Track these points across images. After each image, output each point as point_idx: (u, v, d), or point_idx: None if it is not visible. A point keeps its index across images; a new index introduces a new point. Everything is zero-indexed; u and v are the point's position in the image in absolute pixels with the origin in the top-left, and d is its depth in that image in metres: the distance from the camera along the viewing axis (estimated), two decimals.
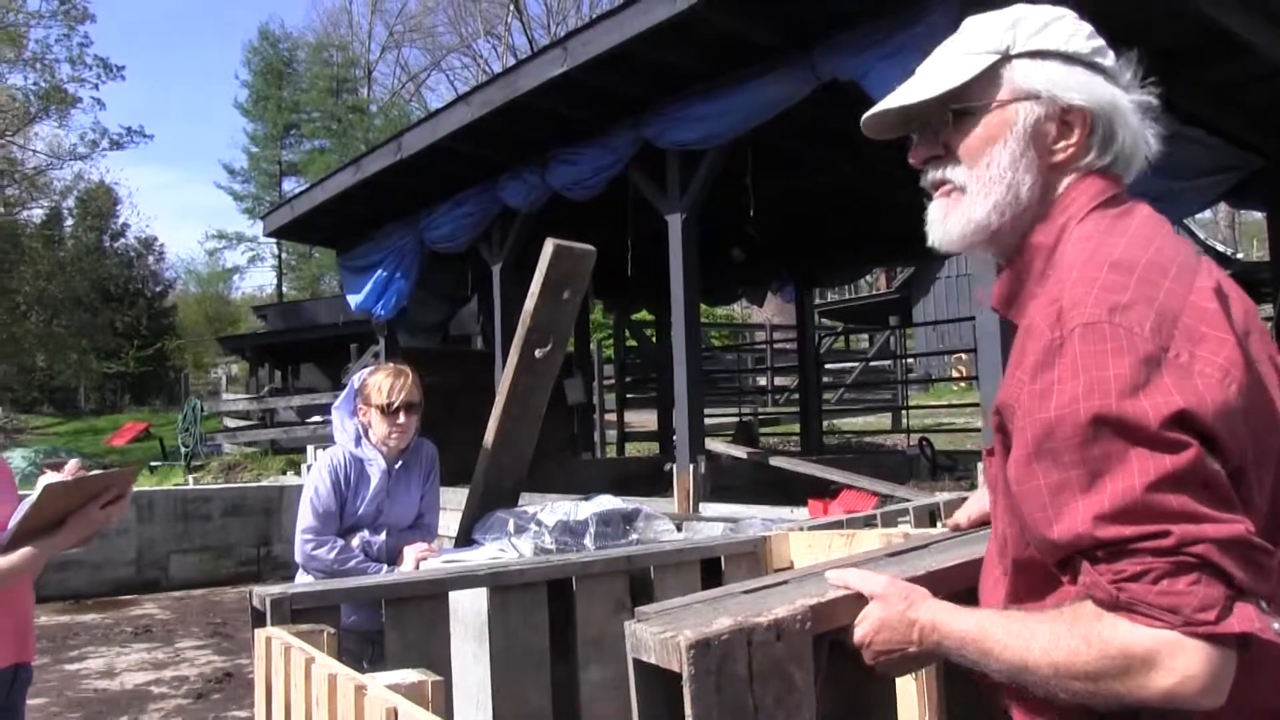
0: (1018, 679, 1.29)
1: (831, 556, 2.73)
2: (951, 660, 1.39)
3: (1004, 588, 1.41)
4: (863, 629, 1.44)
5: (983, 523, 1.97)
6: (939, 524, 3.49)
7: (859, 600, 1.46)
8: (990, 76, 1.42)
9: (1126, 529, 1.15)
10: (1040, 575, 1.32)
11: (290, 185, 44.52)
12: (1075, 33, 1.44)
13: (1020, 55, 1.42)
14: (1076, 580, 1.24)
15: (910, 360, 23.28)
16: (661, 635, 1.24)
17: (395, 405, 3.70)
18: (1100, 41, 1.45)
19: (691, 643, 1.20)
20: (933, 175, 1.49)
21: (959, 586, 1.64)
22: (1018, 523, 1.32)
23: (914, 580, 1.51)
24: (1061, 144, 1.41)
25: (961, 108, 1.43)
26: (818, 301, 20.70)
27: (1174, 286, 1.25)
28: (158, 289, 42.21)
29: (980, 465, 6.23)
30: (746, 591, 1.50)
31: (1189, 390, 1.15)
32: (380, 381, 3.74)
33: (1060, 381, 1.20)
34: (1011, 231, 1.43)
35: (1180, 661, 1.14)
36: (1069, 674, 1.21)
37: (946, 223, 1.47)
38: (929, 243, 1.53)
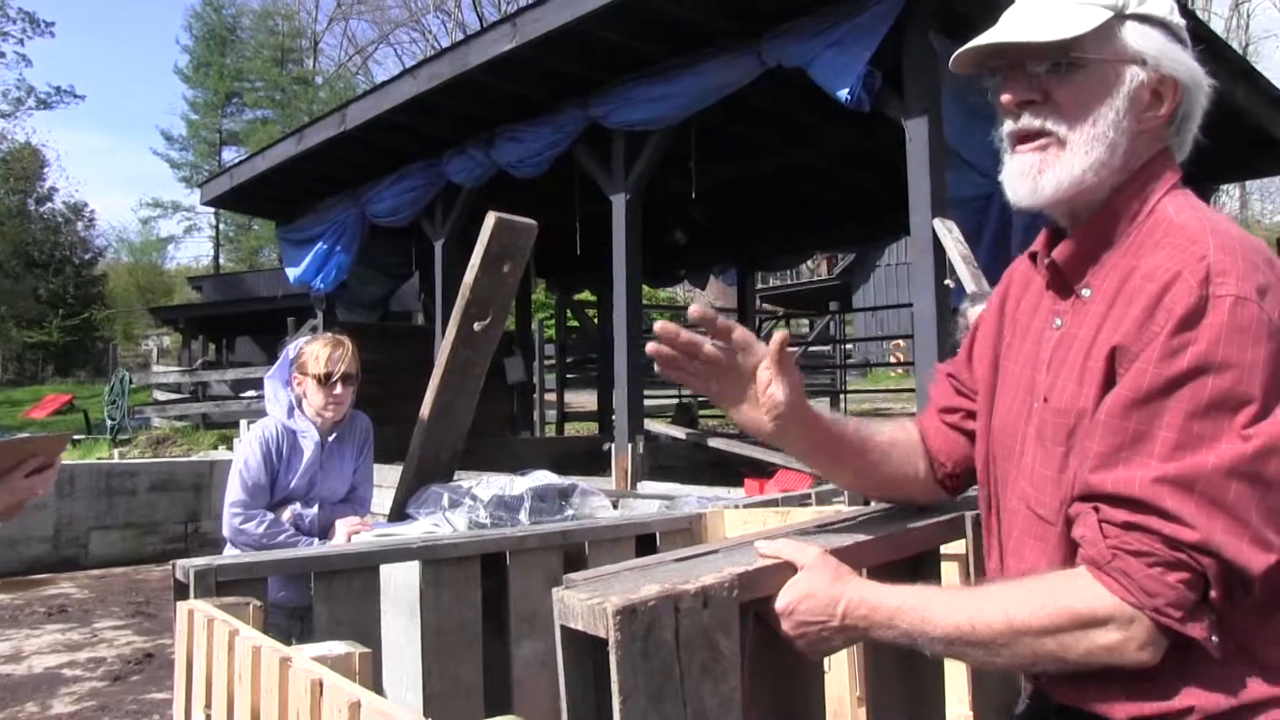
0: (953, 646, 1.34)
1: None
2: (874, 638, 1.41)
3: (1055, 540, 1.40)
4: (787, 596, 1.43)
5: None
6: (873, 503, 3.51)
7: (788, 570, 1.46)
8: (1105, 32, 1.39)
9: (1170, 501, 1.19)
10: None
11: (231, 155, 43.91)
12: (1173, 7, 1.44)
13: (1132, 17, 1.40)
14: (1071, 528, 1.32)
15: (849, 346, 23.48)
16: (589, 601, 1.23)
17: (332, 375, 3.64)
18: (1184, 22, 1.45)
19: (618, 609, 1.20)
20: (1027, 121, 1.44)
21: (878, 560, 1.67)
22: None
23: (839, 552, 1.51)
24: (1150, 113, 1.41)
25: (1078, 58, 1.39)
26: (759, 286, 20.82)
27: None
28: (87, 256, 41.45)
29: None
30: (677, 560, 1.50)
31: None
32: (318, 350, 3.67)
33: (1197, 343, 1.21)
34: (1095, 192, 1.41)
35: (1133, 629, 1.23)
36: (1026, 629, 1.27)
37: (1040, 177, 1.42)
38: (1010, 198, 1.47)
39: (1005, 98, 1.45)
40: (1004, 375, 1.56)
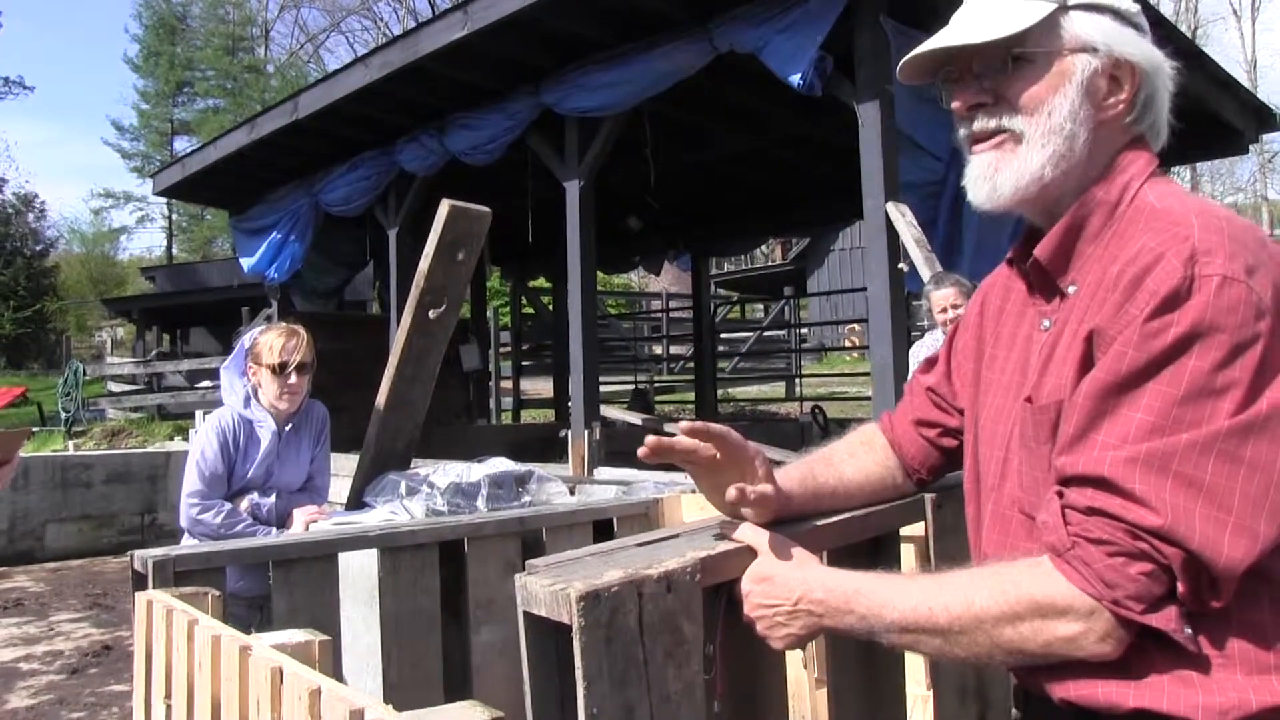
0: (909, 634, 1.31)
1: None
2: (830, 625, 1.39)
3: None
4: (746, 580, 1.44)
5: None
6: None
7: (749, 554, 1.46)
8: (1049, 25, 1.37)
9: (1140, 482, 1.15)
10: None
11: (182, 144, 43.37)
12: None
13: (1076, 6, 1.38)
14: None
15: (804, 330, 23.59)
16: (552, 587, 1.23)
17: (287, 365, 3.64)
18: (1139, 7, 1.43)
19: (582, 594, 1.19)
20: (981, 124, 1.41)
21: (837, 543, 1.68)
22: None
23: (798, 535, 1.52)
24: (1111, 100, 1.38)
25: (1023, 53, 1.37)
26: (714, 271, 20.87)
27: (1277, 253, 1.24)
28: (38, 248, 40.82)
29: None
30: (639, 545, 1.50)
31: None
32: (272, 340, 3.66)
33: (1179, 324, 1.16)
34: (1059, 186, 1.38)
35: (1093, 621, 1.19)
36: (986, 615, 1.24)
37: (998, 176, 1.39)
38: (972, 201, 1.45)
39: (956, 104, 1.43)
40: (987, 387, 1.53)
